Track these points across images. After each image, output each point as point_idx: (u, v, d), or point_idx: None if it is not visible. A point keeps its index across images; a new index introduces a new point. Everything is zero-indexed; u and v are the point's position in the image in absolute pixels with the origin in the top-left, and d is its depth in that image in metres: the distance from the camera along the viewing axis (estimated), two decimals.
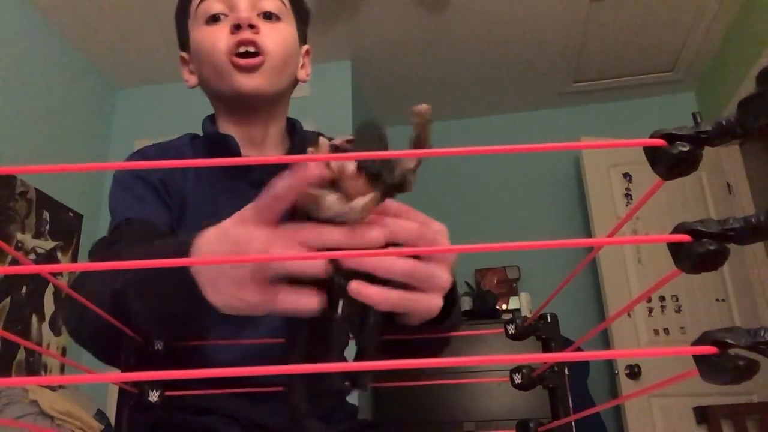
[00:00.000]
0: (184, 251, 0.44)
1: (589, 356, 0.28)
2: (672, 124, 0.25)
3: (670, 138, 0.24)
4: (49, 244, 2.66)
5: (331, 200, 0.39)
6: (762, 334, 0.22)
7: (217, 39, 0.77)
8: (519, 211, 3.51)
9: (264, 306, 0.40)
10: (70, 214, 2.82)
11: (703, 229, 0.24)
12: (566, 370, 0.49)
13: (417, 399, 2.77)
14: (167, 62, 3.09)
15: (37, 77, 2.73)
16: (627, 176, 3.10)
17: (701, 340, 0.23)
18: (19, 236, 2.48)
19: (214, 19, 0.79)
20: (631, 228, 2.97)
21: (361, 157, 0.38)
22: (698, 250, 0.23)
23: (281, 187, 0.38)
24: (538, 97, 3.63)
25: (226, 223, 0.42)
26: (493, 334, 2.75)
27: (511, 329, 0.50)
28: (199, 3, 0.80)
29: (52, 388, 2.21)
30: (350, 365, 0.25)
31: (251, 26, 0.76)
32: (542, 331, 0.49)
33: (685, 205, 2.96)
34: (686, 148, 0.24)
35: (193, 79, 0.86)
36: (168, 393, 0.43)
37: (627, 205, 3.04)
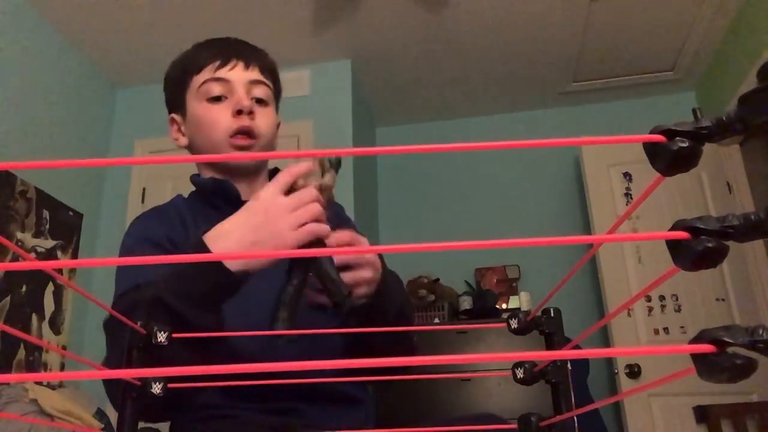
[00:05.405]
0: (201, 247, 0.67)
1: (588, 354, 0.28)
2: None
3: (670, 134, 0.24)
4: (49, 243, 2.66)
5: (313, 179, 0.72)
6: (760, 332, 0.22)
7: (221, 119, 0.89)
8: (519, 211, 3.51)
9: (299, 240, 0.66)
10: (70, 213, 2.82)
11: (702, 226, 0.23)
12: (569, 365, 0.49)
13: (418, 396, 2.76)
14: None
15: (37, 77, 2.73)
16: (627, 176, 3.10)
17: (699, 339, 0.23)
18: (19, 235, 2.48)
19: (215, 99, 0.91)
20: (631, 227, 2.97)
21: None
22: (696, 248, 0.23)
23: (294, 170, 0.70)
24: (538, 97, 3.62)
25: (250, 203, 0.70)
26: (495, 334, 2.75)
27: (514, 324, 0.50)
28: (202, 83, 0.91)
29: (52, 387, 2.22)
30: (355, 362, 0.25)
31: (250, 112, 0.89)
32: (545, 325, 0.49)
33: (685, 205, 2.96)
34: (686, 144, 0.24)
35: (183, 141, 0.96)
36: (171, 386, 0.43)
37: (627, 205, 3.04)
